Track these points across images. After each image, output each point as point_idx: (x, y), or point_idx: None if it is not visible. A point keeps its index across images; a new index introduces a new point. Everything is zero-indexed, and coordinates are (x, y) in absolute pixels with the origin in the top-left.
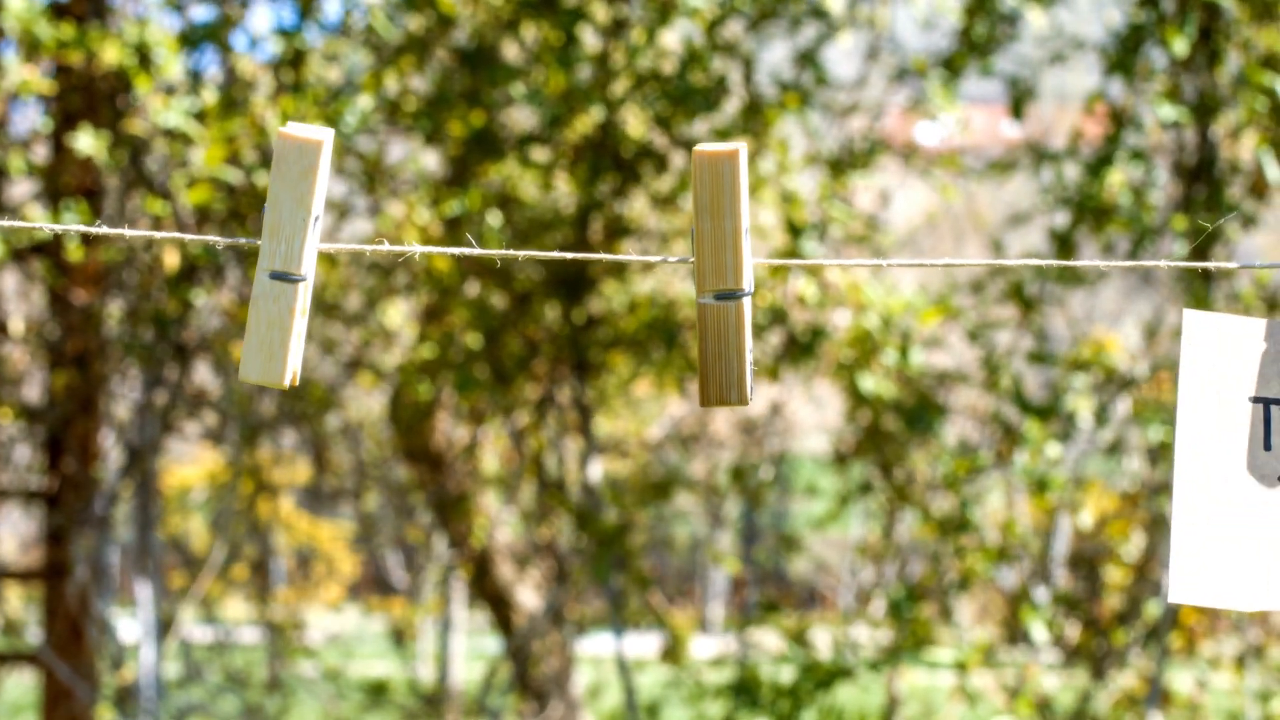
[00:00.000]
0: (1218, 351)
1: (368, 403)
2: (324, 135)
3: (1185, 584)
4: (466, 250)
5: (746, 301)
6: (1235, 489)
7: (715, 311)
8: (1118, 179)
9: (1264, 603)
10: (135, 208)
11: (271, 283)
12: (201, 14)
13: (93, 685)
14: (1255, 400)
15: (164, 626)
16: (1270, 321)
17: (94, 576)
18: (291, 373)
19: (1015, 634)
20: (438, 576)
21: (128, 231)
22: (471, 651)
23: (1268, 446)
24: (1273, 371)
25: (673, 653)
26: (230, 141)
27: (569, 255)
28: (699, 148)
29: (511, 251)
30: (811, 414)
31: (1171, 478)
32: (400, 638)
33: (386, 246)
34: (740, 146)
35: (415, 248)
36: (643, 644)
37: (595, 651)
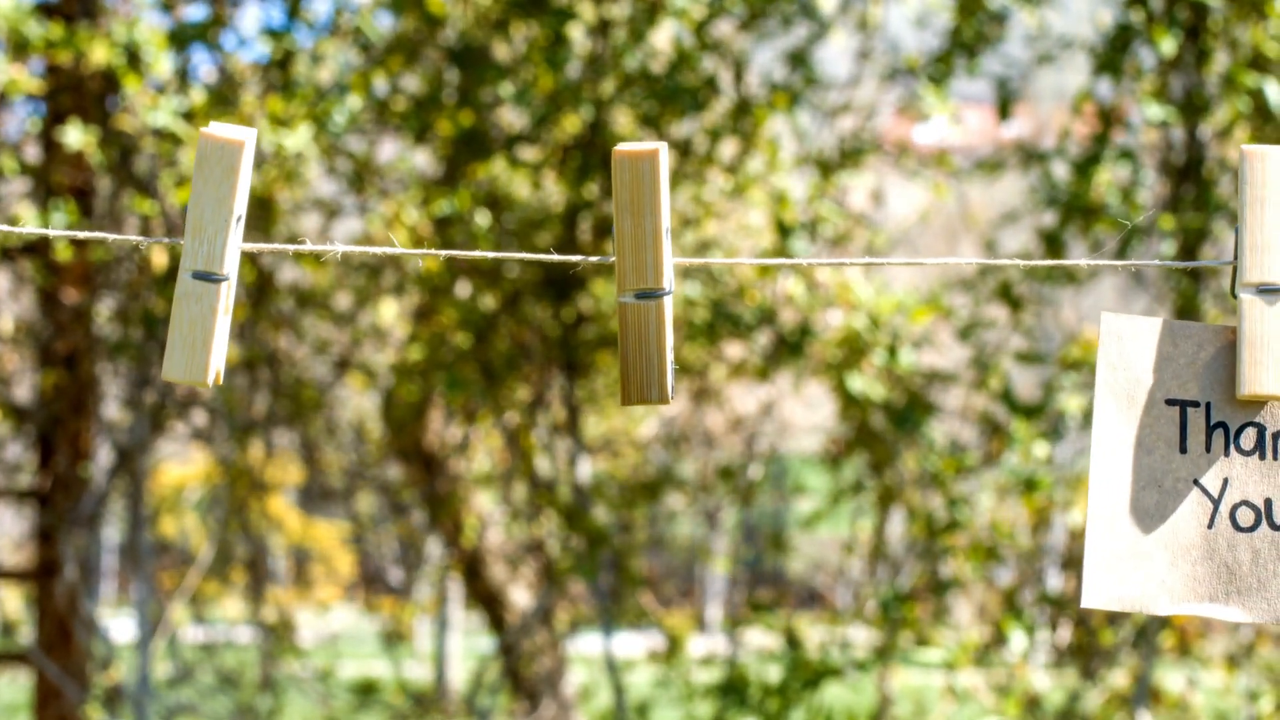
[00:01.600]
0: (1135, 353)
1: (360, 402)
2: (245, 136)
3: (1099, 588)
4: (389, 250)
5: (667, 300)
6: (1150, 491)
7: (636, 310)
8: (1105, 178)
9: (1179, 607)
10: (126, 207)
11: (194, 282)
12: (192, 14)
13: (82, 685)
14: (1171, 403)
15: (154, 626)
16: (1188, 323)
17: (82, 576)
18: (215, 371)
19: (1001, 634)
20: (434, 576)
21: (51, 232)
22: (468, 651)
23: (1183, 449)
24: (1189, 373)
25: (671, 653)
26: None
27: (491, 255)
28: (619, 147)
29: (429, 250)
30: (811, 414)
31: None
32: (390, 639)
33: (309, 246)
34: (660, 146)
35: (337, 247)
36: (642, 644)
37: (593, 652)
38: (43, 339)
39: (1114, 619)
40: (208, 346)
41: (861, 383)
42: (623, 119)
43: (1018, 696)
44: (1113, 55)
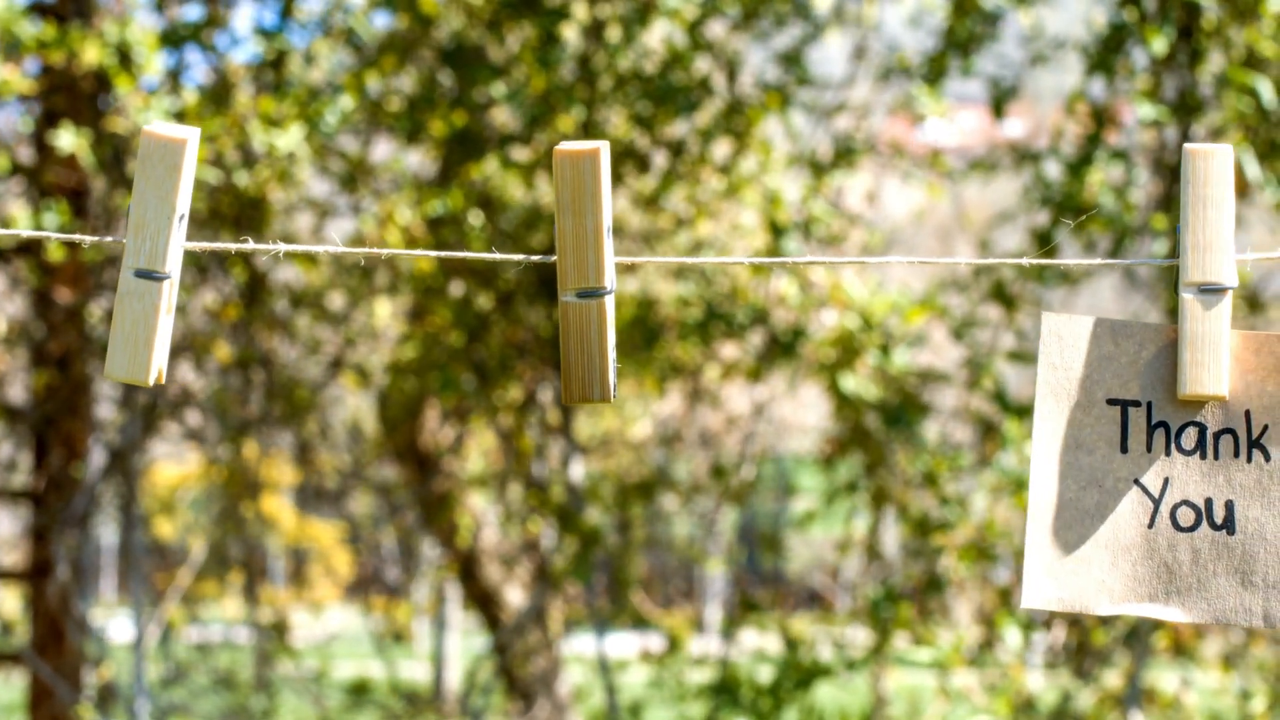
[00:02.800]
0: (1076, 353)
1: (356, 402)
2: (188, 134)
3: (1039, 589)
4: (330, 248)
5: (608, 299)
6: (1091, 491)
7: (577, 309)
8: (1098, 178)
9: (1119, 607)
10: (119, 208)
11: (136, 280)
12: (187, 14)
13: (74, 685)
14: (1112, 402)
15: (147, 627)
16: (1130, 322)
17: (74, 576)
18: (157, 370)
19: (994, 634)
20: (433, 577)
21: (5, 231)
22: (467, 652)
23: (1124, 449)
24: (1130, 373)
25: (671, 654)
26: (211, 141)
27: (421, 253)
28: (560, 146)
29: (380, 249)
30: (810, 414)
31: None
32: (383, 639)
33: (251, 245)
34: (601, 145)
35: (281, 246)
36: (642, 644)
37: (591, 652)
38: (37, 339)
39: (1106, 619)
40: (150, 345)
41: (854, 383)
42: (616, 119)
43: (1010, 696)
44: (1106, 55)
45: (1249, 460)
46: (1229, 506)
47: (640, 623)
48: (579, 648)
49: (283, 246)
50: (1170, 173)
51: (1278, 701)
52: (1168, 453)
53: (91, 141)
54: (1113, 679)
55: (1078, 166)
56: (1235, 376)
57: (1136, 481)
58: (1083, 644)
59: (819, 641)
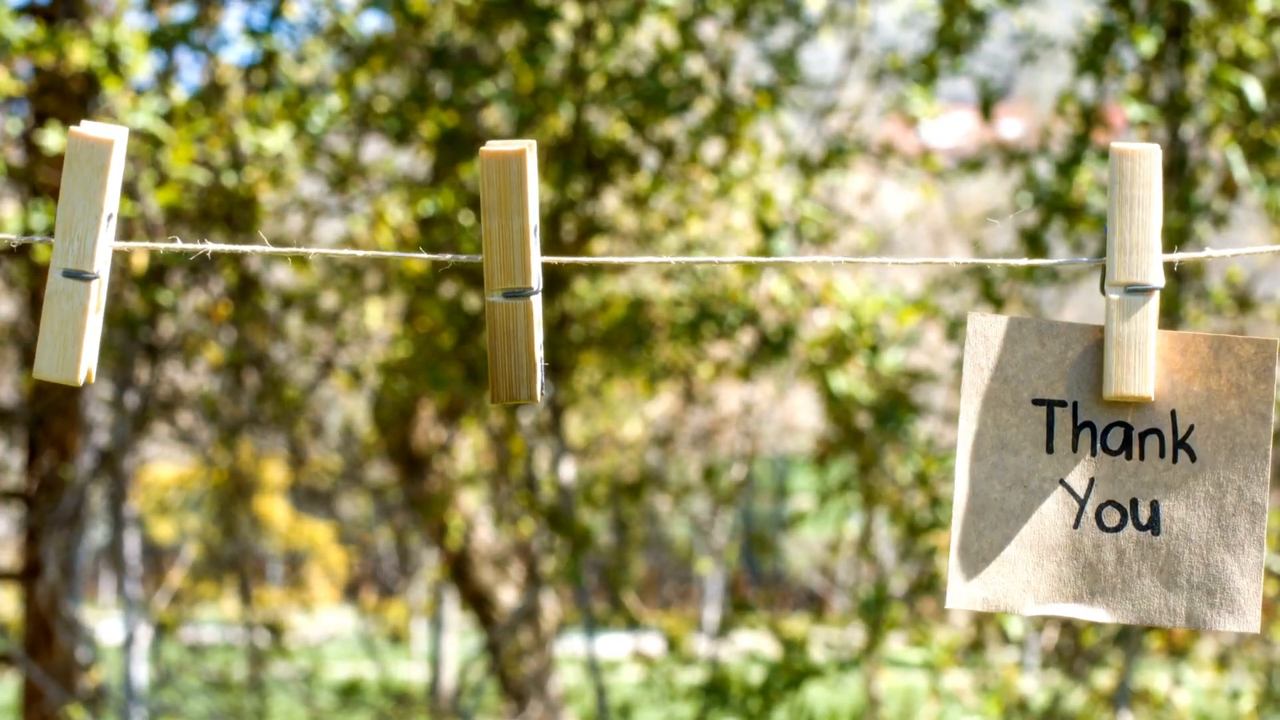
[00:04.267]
0: (1002, 353)
1: (351, 403)
2: (116, 134)
3: (964, 589)
4: (260, 248)
5: (535, 299)
6: (1016, 491)
7: (504, 310)
8: (1086, 178)
9: (1044, 607)
10: None
11: (64, 280)
12: (179, 14)
13: (65, 686)
14: (1038, 402)
15: (136, 628)
16: (1056, 322)
17: (64, 577)
18: (86, 370)
19: (986, 635)
20: (428, 578)
21: None
22: (464, 653)
23: (1050, 449)
24: (1056, 373)
25: (670, 654)
26: (200, 141)
27: (344, 252)
28: (486, 146)
29: (304, 250)
30: (808, 415)
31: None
32: (375, 639)
33: (179, 244)
34: (528, 145)
35: (210, 245)
36: (640, 646)
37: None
38: (27, 340)
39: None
40: (78, 344)
41: (845, 382)
42: (607, 119)
43: (1000, 696)
44: (1095, 55)
45: (1175, 461)
46: (1154, 507)
47: (636, 624)
48: (575, 649)
49: (210, 246)
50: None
51: (1267, 702)
52: (1093, 453)
53: None
54: (1105, 679)
55: (1066, 166)
56: (1161, 377)
57: (1062, 482)
58: (1072, 645)
59: (812, 642)
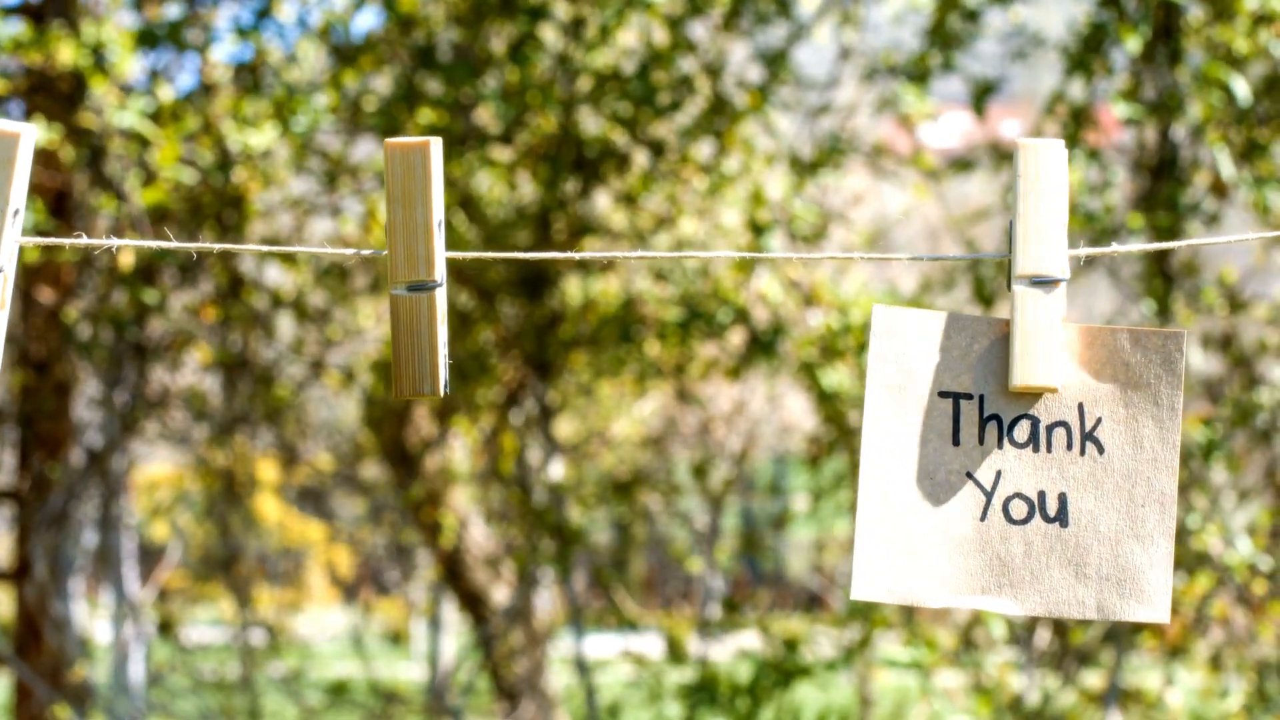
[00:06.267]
0: (908, 346)
1: (339, 401)
2: (22, 129)
3: (870, 580)
4: (171, 244)
5: (439, 293)
6: (922, 484)
7: (407, 303)
8: (1075, 177)
9: (952, 599)
10: (99, 207)
11: None
12: (167, 13)
13: (53, 685)
14: (944, 395)
15: (124, 627)
16: (962, 315)
17: (53, 576)
18: None
19: (978, 635)
20: (425, 577)
21: None
22: (462, 652)
23: (956, 441)
24: (962, 366)
25: (671, 655)
26: (187, 140)
27: (265, 249)
28: (390, 140)
29: (206, 245)
30: (806, 414)
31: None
32: (364, 639)
33: (85, 240)
34: (433, 140)
35: (114, 241)
36: (639, 646)
37: (586, 653)
38: (21, 339)
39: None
40: None
41: (836, 380)
42: (597, 119)
43: (990, 697)
44: (1085, 55)
45: (1082, 453)
46: (1062, 499)
47: (633, 625)
48: (569, 649)
49: (115, 241)
50: (1149, 172)
51: (1259, 701)
52: (1000, 445)
53: (61, 135)
54: (1097, 679)
55: None
56: (1069, 369)
57: (969, 474)
58: (1064, 645)
59: (805, 642)
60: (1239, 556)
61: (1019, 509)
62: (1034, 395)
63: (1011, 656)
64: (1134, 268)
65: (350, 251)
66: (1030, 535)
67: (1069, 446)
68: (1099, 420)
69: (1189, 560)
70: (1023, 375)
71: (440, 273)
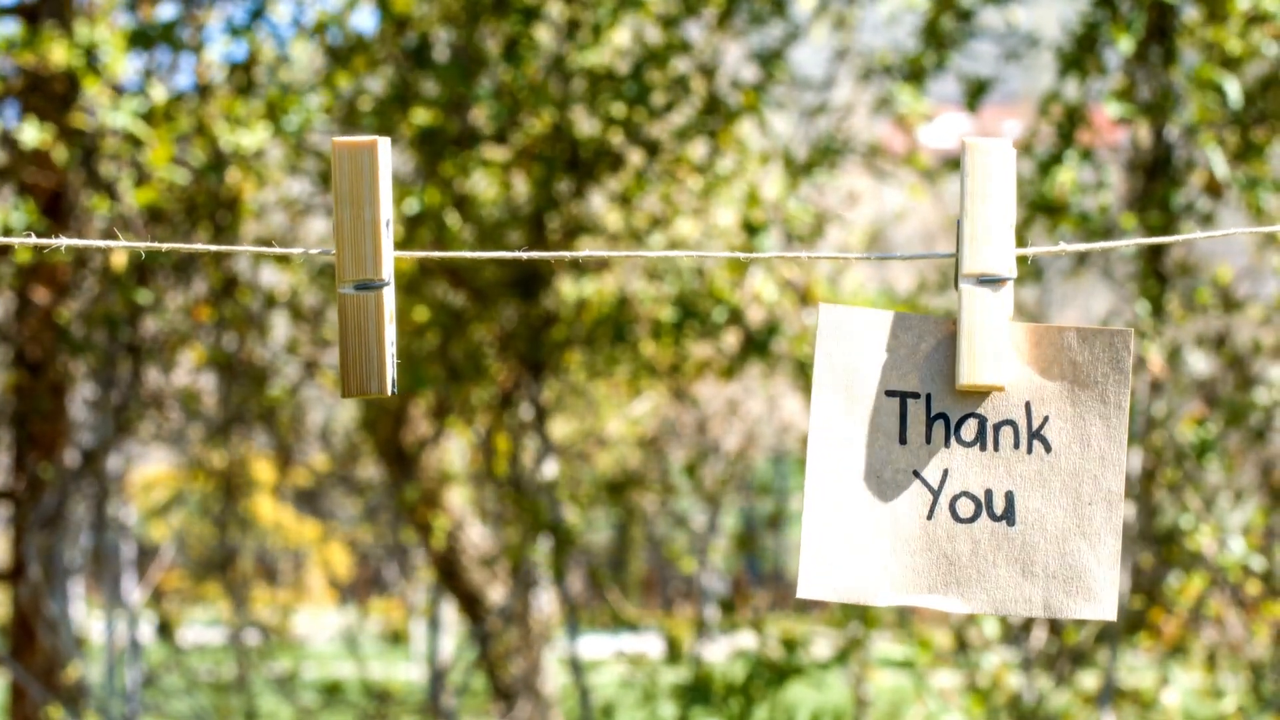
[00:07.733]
0: (855, 346)
1: (334, 401)
2: (377, 139)
3: (816, 579)
4: (99, 243)
5: (386, 292)
6: (869, 482)
7: (355, 302)
8: (1069, 177)
9: (899, 598)
10: (92, 207)
11: None
12: (164, 14)
13: (47, 685)
14: (891, 394)
15: (117, 627)
16: (909, 314)
17: (46, 576)
18: None
19: (972, 635)
20: (426, 578)
21: None
22: (459, 652)
23: (903, 440)
24: (909, 365)
25: (672, 656)
26: (181, 140)
27: (214, 248)
28: (338, 139)
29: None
30: (804, 414)
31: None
32: (356, 639)
33: (34, 240)
34: (380, 139)
35: (62, 240)
36: (639, 647)
37: (584, 653)
38: (15, 339)
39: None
40: None
41: None
42: (591, 119)
43: (985, 697)
44: (1079, 55)
45: (1029, 451)
46: (1009, 498)
47: (633, 625)
48: (565, 649)
49: (64, 241)
50: (1143, 172)
51: (1253, 701)
52: (947, 444)
53: (59, 138)
54: (1092, 679)
55: (1048, 165)
56: (1016, 368)
57: (916, 473)
58: (1060, 645)
59: (802, 642)
60: (1233, 557)
61: (966, 507)
62: (981, 394)
63: (1007, 657)
64: (1129, 268)
65: (298, 251)
66: (977, 534)
67: (1016, 445)
68: (1046, 419)
69: (1183, 560)
70: (969, 374)
71: (388, 272)
